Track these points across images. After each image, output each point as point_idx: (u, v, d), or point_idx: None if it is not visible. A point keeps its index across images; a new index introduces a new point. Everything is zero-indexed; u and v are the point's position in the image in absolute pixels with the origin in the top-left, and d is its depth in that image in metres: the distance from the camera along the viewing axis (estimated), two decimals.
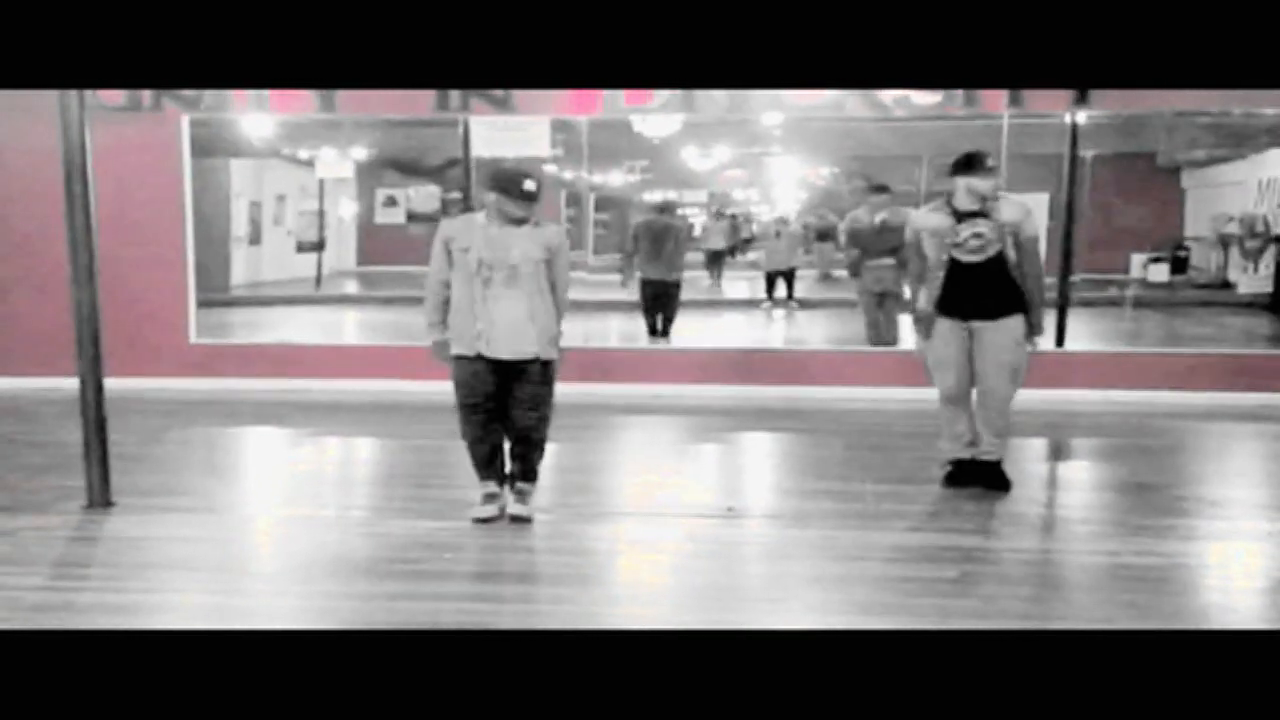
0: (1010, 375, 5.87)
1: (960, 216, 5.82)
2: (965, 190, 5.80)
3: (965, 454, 6.04)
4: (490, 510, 5.47)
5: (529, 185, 5.23)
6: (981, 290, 5.82)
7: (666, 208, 11.30)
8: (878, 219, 9.70)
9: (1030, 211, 5.87)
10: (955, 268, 5.84)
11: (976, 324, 5.86)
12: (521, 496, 5.52)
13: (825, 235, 20.98)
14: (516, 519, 5.44)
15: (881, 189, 10.04)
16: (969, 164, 5.80)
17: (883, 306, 9.74)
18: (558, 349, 5.44)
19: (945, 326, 5.93)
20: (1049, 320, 8.76)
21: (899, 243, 9.50)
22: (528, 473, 5.52)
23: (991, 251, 5.78)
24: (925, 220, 5.97)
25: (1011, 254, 5.78)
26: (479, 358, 5.33)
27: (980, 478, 6.00)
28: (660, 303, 10.64)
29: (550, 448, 5.57)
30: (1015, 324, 5.83)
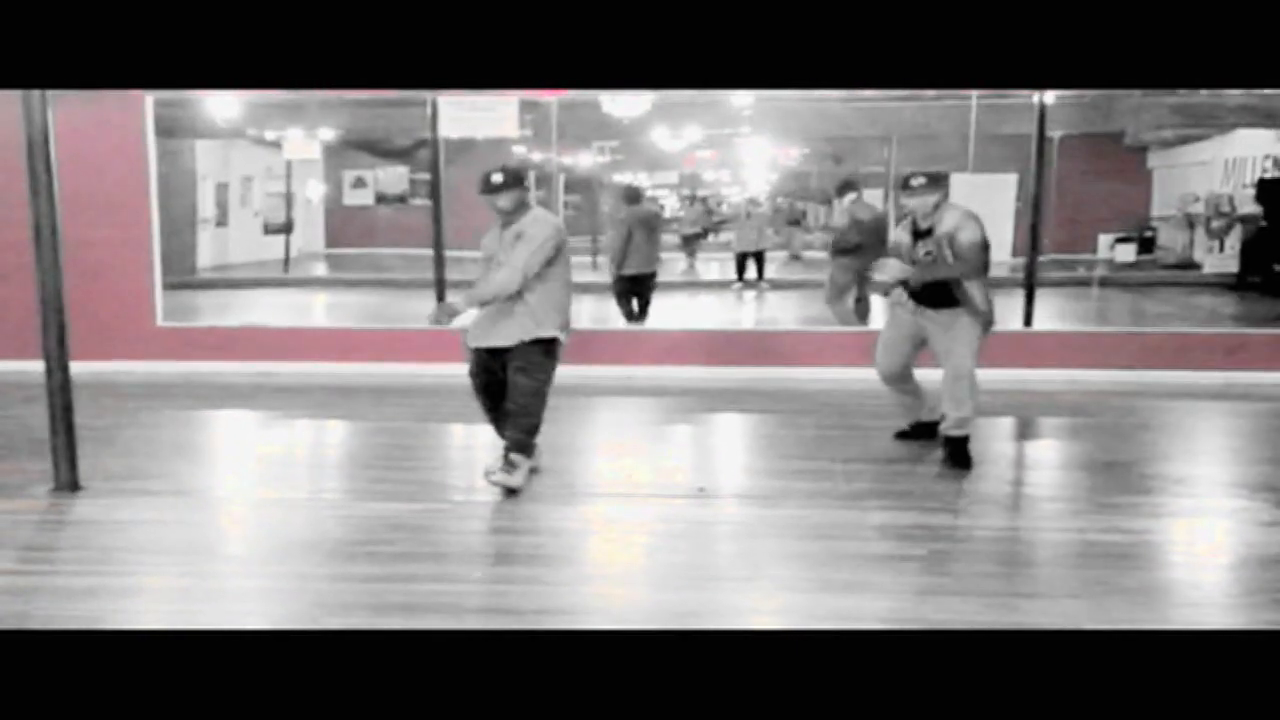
0: (961, 349, 6.07)
1: (917, 234, 6.13)
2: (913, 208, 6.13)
3: (915, 419, 6.64)
4: (509, 478, 5.62)
5: (493, 178, 5.55)
6: (934, 290, 6.12)
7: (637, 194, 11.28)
8: (845, 220, 9.87)
9: (970, 218, 6.01)
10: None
11: (929, 312, 6.16)
12: (502, 463, 5.63)
13: (796, 221, 21.04)
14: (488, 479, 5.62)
15: (848, 186, 10.12)
16: (902, 184, 6.14)
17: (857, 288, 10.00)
18: (538, 336, 5.61)
19: (897, 312, 6.37)
20: (1014, 301, 8.88)
21: (864, 240, 9.66)
22: (509, 442, 5.66)
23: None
24: (897, 237, 6.33)
25: (948, 255, 5.97)
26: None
27: (931, 440, 6.51)
28: (639, 290, 10.63)
29: None
30: (961, 312, 6.07)
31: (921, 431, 6.67)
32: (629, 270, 10.56)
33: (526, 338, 5.59)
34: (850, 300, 10.23)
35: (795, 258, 19.55)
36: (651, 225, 10.78)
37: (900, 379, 6.53)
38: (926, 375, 6.56)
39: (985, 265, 6.02)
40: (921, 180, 6.02)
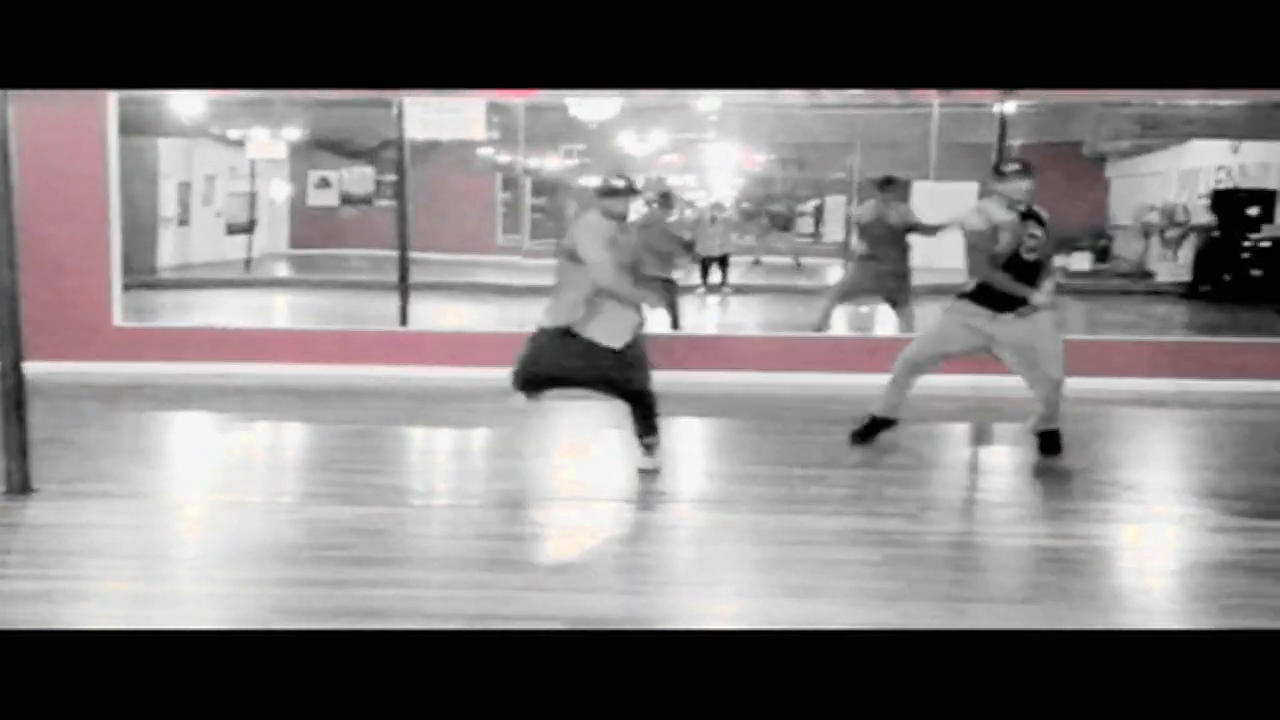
0: (1056, 354, 6.36)
1: (1024, 216, 6.27)
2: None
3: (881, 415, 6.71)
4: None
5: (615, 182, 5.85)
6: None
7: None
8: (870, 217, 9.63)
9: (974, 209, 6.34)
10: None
11: (1006, 316, 6.32)
12: (647, 451, 6.14)
13: (785, 226, 20.86)
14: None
15: (888, 182, 9.76)
16: (1010, 171, 6.28)
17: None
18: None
19: (959, 321, 6.48)
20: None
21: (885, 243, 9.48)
22: (649, 429, 6.10)
23: None
24: (996, 217, 6.27)
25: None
26: None
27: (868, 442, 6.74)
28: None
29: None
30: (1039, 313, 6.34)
31: (873, 431, 6.72)
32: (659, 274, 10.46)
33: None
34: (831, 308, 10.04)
35: (757, 262, 19.50)
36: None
37: (917, 374, 6.64)
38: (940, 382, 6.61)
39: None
40: (1015, 166, 6.23)
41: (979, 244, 6.17)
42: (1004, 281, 6.15)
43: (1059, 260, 14.35)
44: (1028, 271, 6.21)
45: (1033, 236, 6.17)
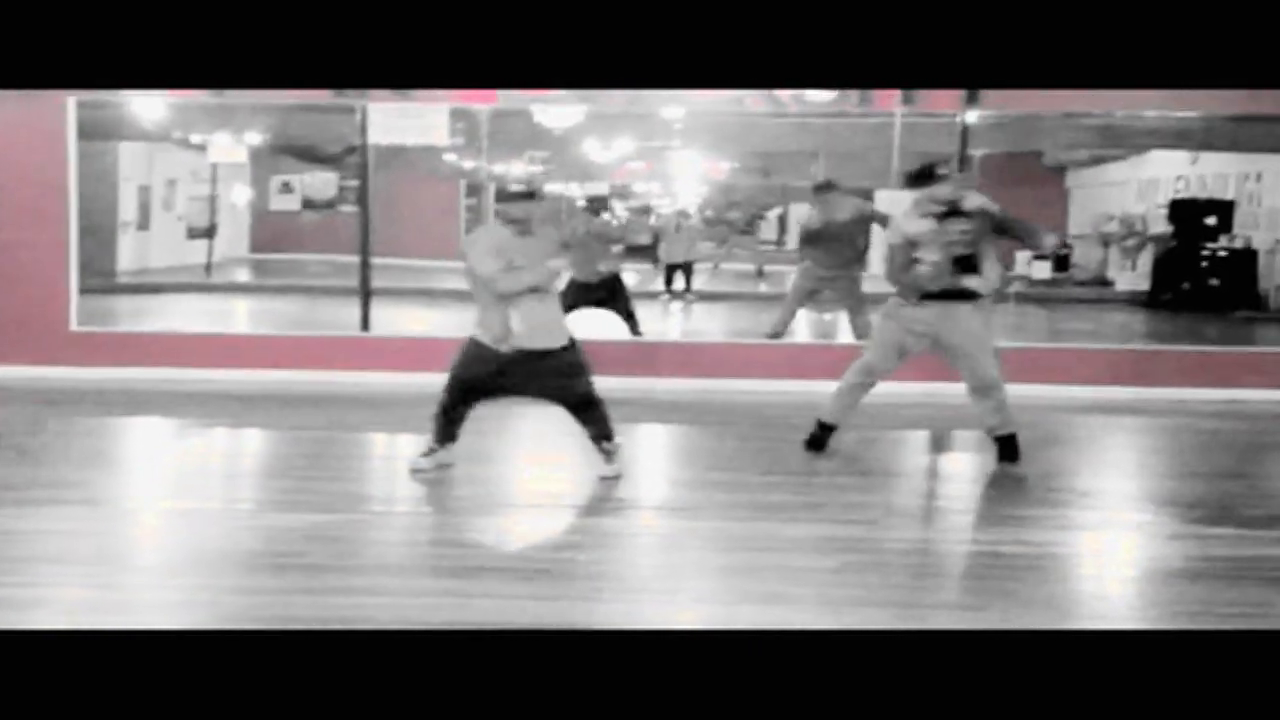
0: (983, 357, 6.44)
1: (943, 216, 6.30)
2: None
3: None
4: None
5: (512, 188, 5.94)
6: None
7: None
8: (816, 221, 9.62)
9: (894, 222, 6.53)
10: None
11: (938, 308, 6.33)
12: (608, 458, 6.07)
13: (746, 230, 20.84)
14: None
15: (827, 186, 9.77)
16: (916, 178, 6.45)
17: None
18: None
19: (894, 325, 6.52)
20: None
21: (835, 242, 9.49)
22: (602, 433, 6.05)
23: None
24: (912, 228, 6.34)
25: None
26: None
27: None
28: (599, 298, 10.34)
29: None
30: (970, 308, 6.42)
31: (824, 438, 6.67)
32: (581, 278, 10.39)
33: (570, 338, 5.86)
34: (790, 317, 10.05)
35: (760, 273, 19.51)
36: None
37: (870, 383, 6.63)
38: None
39: None
40: (944, 171, 6.33)
41: (895, 255, 6.28)
42: (911, 281, 6.24)
43: (1025, 267, 14.53)
44: (962, 265, 6.23)
45: (962, 232, 6.18)
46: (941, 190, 6.23)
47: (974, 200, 6.29)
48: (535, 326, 5.71)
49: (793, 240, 20.37)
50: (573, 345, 5.88)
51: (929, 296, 6.25)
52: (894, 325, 6.44)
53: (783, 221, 21.04)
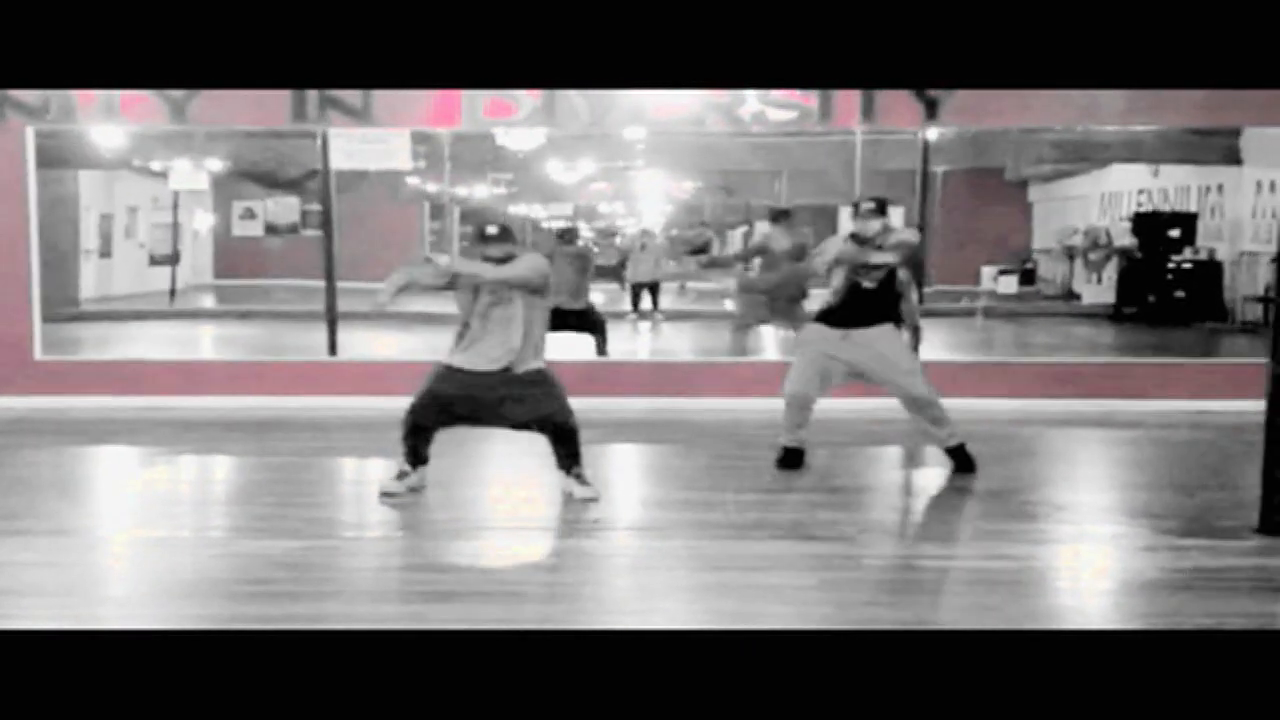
0: (908, 374, 6.57)
1: (863, 241, 6.51)
2: None
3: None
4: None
5: (488, 230, 5.96)
6: (869, 305, 6.59)
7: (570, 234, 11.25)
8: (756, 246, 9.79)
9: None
10: None
11: (855, 333, 6.52)
12: (579, 481, 6.08)
13: (700, 249, 20.89)
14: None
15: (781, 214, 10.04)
16: (854, 209, 6.66)
17: None
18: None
19: (812, 347, 6.69)
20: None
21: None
22: (572, 459, 6.08)
23: None
24: (840, 247, 6.58)
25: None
26: None
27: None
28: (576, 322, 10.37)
29: None
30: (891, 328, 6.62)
31: (792, 457, 6.72)
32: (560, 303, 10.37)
33: (535, 365, 5.90)
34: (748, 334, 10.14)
35: (683, 287, 19.50)
36: (584, 262, 10.67)
37: (807, 405, 6.68)
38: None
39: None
40: (870, 205, 6.47)
41: (828, 276, 6.54)
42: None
43: (991, 282, 14.61)
44: (870, 299, 6.43)
45: (875, 268, 6.36)
46: (872, 225, 6.41)
47: (897, 235, 6.51)
48: (479, 350, 5.84)
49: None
50: (539, 373, 5.93)
51: (840, 323, 6.45)
52: (811, 350, 6.61)
53: (746, 240, 21.10)
